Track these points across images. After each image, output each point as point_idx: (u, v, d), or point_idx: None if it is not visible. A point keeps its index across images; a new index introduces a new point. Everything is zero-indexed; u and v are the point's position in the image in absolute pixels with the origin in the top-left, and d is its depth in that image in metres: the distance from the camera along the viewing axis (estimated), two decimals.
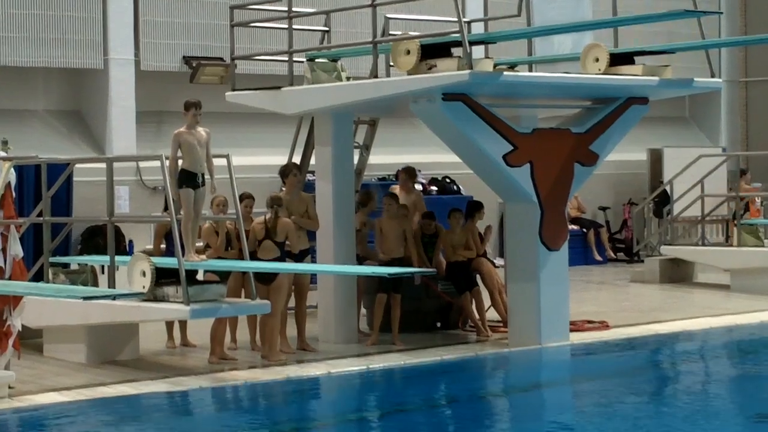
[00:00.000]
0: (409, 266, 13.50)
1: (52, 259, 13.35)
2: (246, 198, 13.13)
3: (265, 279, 12.57)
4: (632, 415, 9.79)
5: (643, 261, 21.29)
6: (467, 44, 12.22)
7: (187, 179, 12.01)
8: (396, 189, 15.28)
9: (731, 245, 19.87)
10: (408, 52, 12.72)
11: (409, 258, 13.76)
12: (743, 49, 27.26)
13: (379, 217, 13.96)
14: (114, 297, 12.03)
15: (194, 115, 12.20)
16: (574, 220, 22.74)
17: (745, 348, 13.94)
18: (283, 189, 13.69)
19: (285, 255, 12.93)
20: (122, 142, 19.29)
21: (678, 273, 19.98)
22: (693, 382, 11.85)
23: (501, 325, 14.54)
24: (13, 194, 11.88)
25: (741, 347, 14.05)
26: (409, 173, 15.49)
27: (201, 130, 12.16)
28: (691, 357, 13.80)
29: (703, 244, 20.20)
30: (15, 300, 11.34)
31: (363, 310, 14.60)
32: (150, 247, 14.65)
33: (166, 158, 11.97)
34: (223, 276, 12.59)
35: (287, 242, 12.93)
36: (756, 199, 22.15)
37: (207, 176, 12.04)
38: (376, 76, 13.50)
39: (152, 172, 18.28)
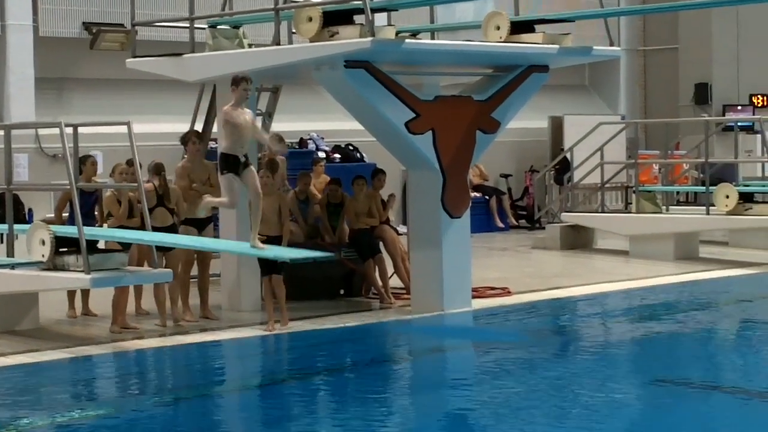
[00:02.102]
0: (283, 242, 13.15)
1: None
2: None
3: (163, 246, 12.48)
4: (528, 379, 9.92)
5: (544, 228, 21.52)
6: (369, 12, 12.22)
7: (228, 163, 11.43)
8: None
9: (630, 212, 20.17)
10: (310, 20, 12.68)
11: (279, 238, 13.24)
12: (642, 18, 27.61)
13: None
14: (13, 266, 11.91)
15: (244, 89, 11.46)
16: (477, 188, 22.89)
17: (643, 312, 14.18)
18: (185, 157, 13.61)
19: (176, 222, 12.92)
20: (21, 110, 19.02)
21: (578, 239, 20.23)
22: (592, 346, 12.02)
23: (404, 292, 14.63)
24: None
25: (639, 312, 14.28)
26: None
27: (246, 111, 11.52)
28: (591, 322, 14.00)
29: (603, 211, 20.45)
30: None
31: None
32: (50, 215, 14.49)
33: (66, 126, 11.83)
34: (125, 244, 12.50)
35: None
36: (654, 166, 22.48)
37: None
38: (278, 44, 13.46)
39: (52, 139, 18.05)
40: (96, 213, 13.13)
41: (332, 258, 13.61)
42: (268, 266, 12.78)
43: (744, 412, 8.82)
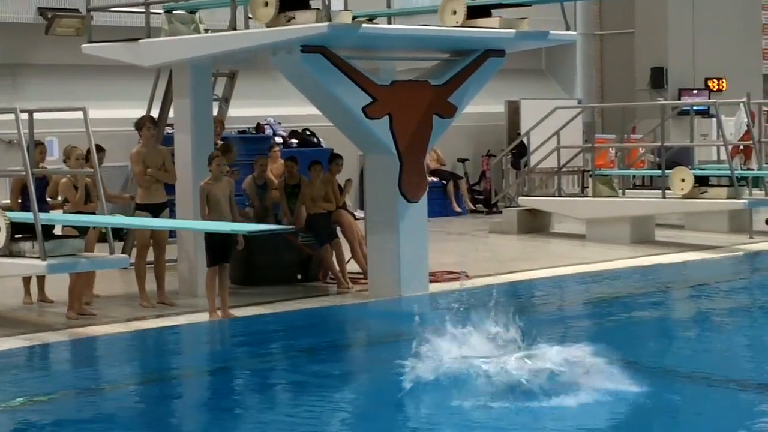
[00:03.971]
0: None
1: None
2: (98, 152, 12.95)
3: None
4: (481, 365, 9.96)
5: (501, 212, 21.58)
6: None
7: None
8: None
9: (586, 196, 20.27)
10: (266, 4, 12.66)
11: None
12: (598, 2, 27.69)
13: (207, 182, 12.77)
14: None
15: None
16: (434, 172, 22.94)
17: (598, 295, 14.27)
18: (140, 142, 13.55)
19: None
20: None
21: (535, 223, 20.30)
22: (548, 330, 12.07)
23: (361, 276, 14.65)
24: None
25: (595, 295, 14.37)
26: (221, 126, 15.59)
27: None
28: (548, 305, 14.08)
29: (560, 195, 20.53)
30: None
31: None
32: (6, 201, 14.40)
33: (22, 111, 11.76)
34: (81, 230, 12.45)
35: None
36: (610, 150, 22.58)
37: None
38: (234, 29, 13.42)
39: (7, 125, 17.88)
40: (48, 199, 13.07)
41: (290, 230, 13.62)
42: (218, 255, 12.64)
43: (695, 395, 8.89)
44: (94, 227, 12.76)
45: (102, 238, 12.56)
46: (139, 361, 11.01)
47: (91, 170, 12.18)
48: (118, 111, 19.30)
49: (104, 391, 9.59)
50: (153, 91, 15.97)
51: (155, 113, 15.27)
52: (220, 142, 15.21)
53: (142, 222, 12.72)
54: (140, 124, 13.52)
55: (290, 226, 13.94)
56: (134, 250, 13.77)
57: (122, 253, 14.37)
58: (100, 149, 13.09)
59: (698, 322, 12.81)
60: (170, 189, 13.75)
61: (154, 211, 13.13)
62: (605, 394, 8.69)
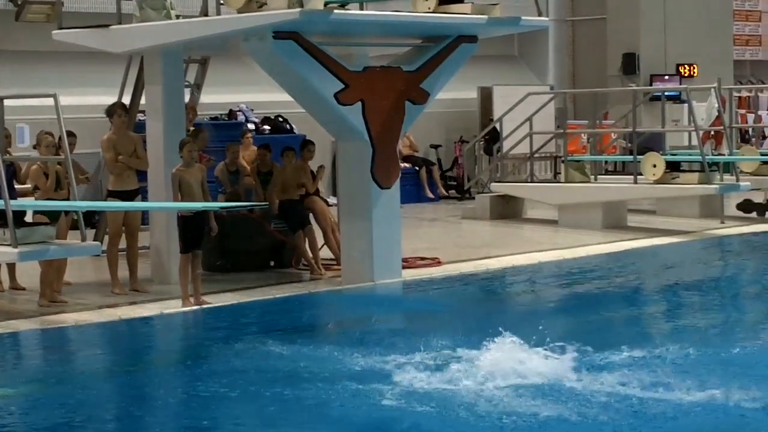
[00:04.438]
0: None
1: None
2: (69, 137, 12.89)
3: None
4: (450, 350, 9.99)
5: (473, 198, 21.60)
6: None
7: None
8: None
9: (559, 181, 20.31)
10: None
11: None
12: None
13: (179, 168, 12.67)
14: None
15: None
16: (406, 158, 22.94)
17: (571, 280, 14.32)
18: (111, 129, 13.49)
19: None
20: None
21: (508, 209, 20.33)
22: (517, 315, 12.12)
23: (334, 263, 14.65)
24: None
25: (568, 280, 14.42)
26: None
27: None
28: (520, 291, 14.13)
29: (532, 181, 20.57)
30: None
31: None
32: None
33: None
34: (53, 217, 12.39)
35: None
36: (582, 135, 22.63)
37: None
38: (206, 15, 13.39)
39: None
40: (16, 186, 13.01)
41: (263, 206, 13.62)
42: (191, 242, 12.59)
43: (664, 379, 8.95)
44: (66, 214, 12.71)
45: (74, 225, 12.51)
46: (109, 348, 10.97)
47: (62, 157, 12.13)
48: (89, 98, 19.19)
49: (73, 379, 9.54)
50: (124, 77, 15.91)
51: (127, 100, 15.19)
52: (192, 129, 15.17)
53: (114, 204, 12.68)
54: (111, 110, 13.46)
55: (264, 203, 13.92)
56: (106, 238, 13.72)
57: (94, 240, 14.30)
58: (70, 135, 13.02)
59: (669, 305, 12.89)
60: (142, 176, 13.71)
61: (126, 197, 13.09)
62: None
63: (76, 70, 19.88)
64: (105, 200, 13.44)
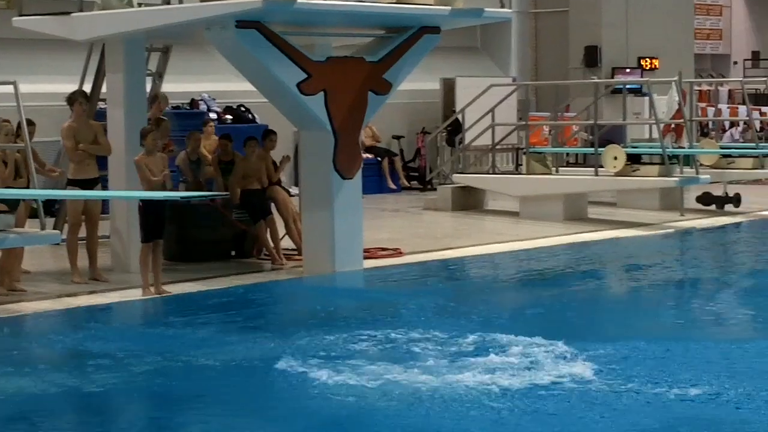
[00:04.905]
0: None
1: None
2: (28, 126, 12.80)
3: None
4: (408, 338, 10.03)
5: (435, 189, 21.63)
6: None
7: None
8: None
9: (520, 173, 20.36)
10: None
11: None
12: None
13: (141, 156, 12.64)
14: None
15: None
16: (369, 149, 22.94)
17: (531, 272, 14.38)
18: (72, 117, 13.41)
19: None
20: None
21: (469, 200, 20.38)
22: (480, 305, 12.16)
23: (296, 253, 14.64)
24: None
25: (527, 271, 14.48)
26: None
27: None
28: (480, 281, 14.16)
29: (494, 172, 20.62)
30: None
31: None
32: None
33: None
34: (11, 206, 12.31)
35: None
36: (544, 127, 22.69)
37: None
38: (168, 3, 13.34)
39: None
40: None
41: (224, 196, 13.60)
42: (152, 231, 12.54)
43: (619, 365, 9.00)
44: (25, 202, 12.63)
45: (33, 213, 12.44)
46: (66, 338, 10.90)
47: (22, 145, 12.05)
48: (50, 85, 19.08)
49: (27, 368, 9.47)
50: (85, 65, 15.82)
51: (88, 88, 15.11)
52: (164, 119, 15.15)
53: (75, 192, 12.62)
54: (72, 98, 13.38)
55: (224, 193, 13.90)
56: (66, 226, 13.65)
57: (54, 228, 14.23)
58: (30, 123, 12.94)
59: (629, 297, 12.96)
60: (102, 165, 13.64)
61: (86, 186, 13.02)
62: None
63: (36, 58, 19.75)
64: (65, 189, 13.36)
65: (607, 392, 8.28)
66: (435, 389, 8.39)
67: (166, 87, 16.52)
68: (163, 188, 12.51)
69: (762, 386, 8.35)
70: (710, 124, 26.30)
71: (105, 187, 13.87)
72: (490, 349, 9.52)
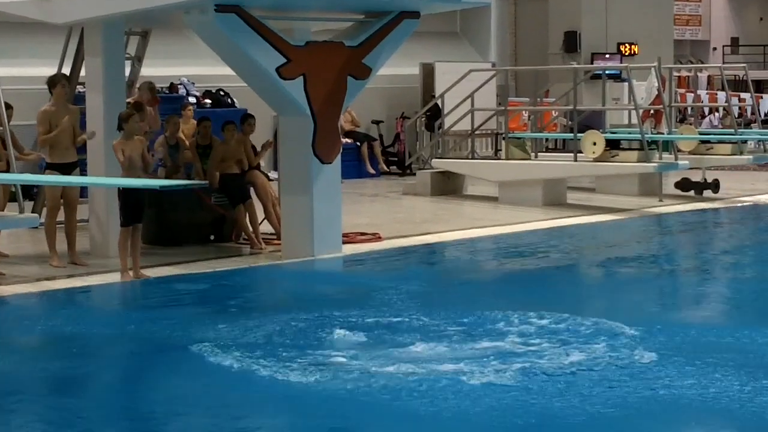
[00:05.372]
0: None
1: None
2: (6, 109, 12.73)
3: None
4: (388, 323, 10.05)
5: (414, 174, 21.66)
6: None
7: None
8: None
9: (499, 158, 20.39)
10: None
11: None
12: None
13: (120, 140, 12.53)
14: None
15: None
16: (348, 134, 22.95)
17: (509, 256, 14.41)
18: (51, 100, 13.37)
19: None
20: None
21: (448, 185, 20.41)
22: (458, 289, 12.19)
23: (275, 237, 14.64)
24: None
25: (506, 256, 14.52)
26: (151, 89, 15.45)
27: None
28: (458, 266, 14.19)
29: (473, 158, 20.65)
30: None
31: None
32: None
33: None
34: None
35: None
36: (523, 113, 22.74)
37: None
38: None
39: None
40: None
41: (203, 185, 13.60)
42: (132, 215, 12.51)
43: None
44: (4, 186, 12.60)
45: (11, 197, 12.42)
46: (44, 321, 10.89)
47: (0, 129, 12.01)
48: (28, 69, 19.03)
49: (3, 351, 9.46)
50: (64, 49, 15.75)
51: (67, 72, 15.06)
52: (133, 102, 15.09)
53: (54, 179, 12.58)
54: (54, 81, 13.30)
55: (204, 182, 13.88)
56: (45, 210, 13.62)
57: (32, 212, 14.21)
58: (8, 107, 12.88)
59: (606, 280, 13.01)
60: (81, 149, 13.61)
61: (65, 170, 12.99)
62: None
63: (14, 41, 19.69)
64: (43, 173, 13.33)
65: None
66: (413, 373, 8.40)
67: (145, 71, 16.48)
68: (145, 173, 12.48)
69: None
70: (689, 110, 26.39)
71: (84, 172, 13.84)
72: (468, 334, 9.55)
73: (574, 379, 8.19)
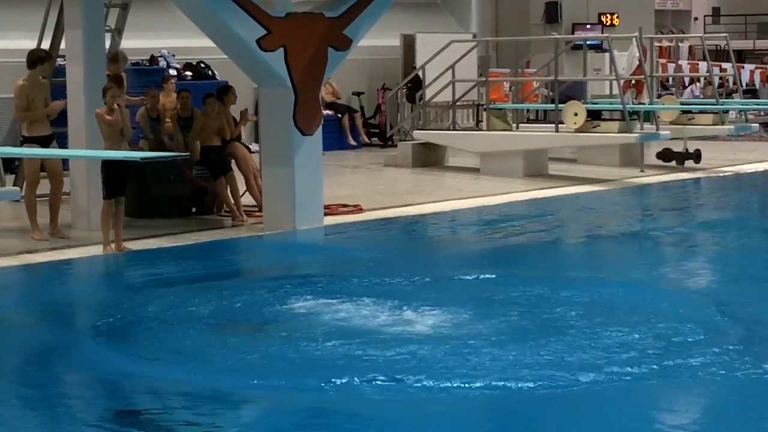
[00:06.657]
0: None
1: None
2: None
3: None
4: (366, 296, 10.08)
5: (396, 145, 21.67)
6: None
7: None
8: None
9: (481, 129, 20.39)
10: None
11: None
12: None
13: (101, 109, 12.43)
14: None
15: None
16: (329, 105, 22.92)
17: (491, 227, 14.45)
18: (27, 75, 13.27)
19: None
20: None
21: (430, 157, 20.42)
22: (436, 260, 12.23)
23: (256, 209, 14.64)
24: None
25: (488, 226, 14.56)
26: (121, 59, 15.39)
27: None
28: (440, 237, 14.22)
29: (454, 129, 20.66)
30: None
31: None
32: None
33: None
34: None
35: None
36: (504, 84, 22.73)
37: None
38: None
39: None
40: None
41: (184, 157, 13.59)
42: (115, 188, 12.47)
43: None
44: None
45: None
46: (24, 294, 10.88)
47: None
48: (8, 41, 18.96)
49: None
50: (44, 21, 15.70)
51: (46, 44, 15.01)
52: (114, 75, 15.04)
53: (37, 151, 12.54)
54: (33, 58, 13.18)
55: (185, 153, 13.86)
56: (25, 183, 13.59)
57: (14, 185, 14.17)
58: None
59: (588, 249, 13.07)
60: (62, 122, 13.56)
61: (44, 143, 12.94)
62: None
63: None
64: (21, 146, 13.27)
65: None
66: (394, 337, 8.44)
67: (125, 43, 16.43)
68: (126, 144, 12.46)
69: None
70: (670, 80, 26.43)
71: (63, 144, 13.80)
72: (445, 304, 9.58)
73: None
